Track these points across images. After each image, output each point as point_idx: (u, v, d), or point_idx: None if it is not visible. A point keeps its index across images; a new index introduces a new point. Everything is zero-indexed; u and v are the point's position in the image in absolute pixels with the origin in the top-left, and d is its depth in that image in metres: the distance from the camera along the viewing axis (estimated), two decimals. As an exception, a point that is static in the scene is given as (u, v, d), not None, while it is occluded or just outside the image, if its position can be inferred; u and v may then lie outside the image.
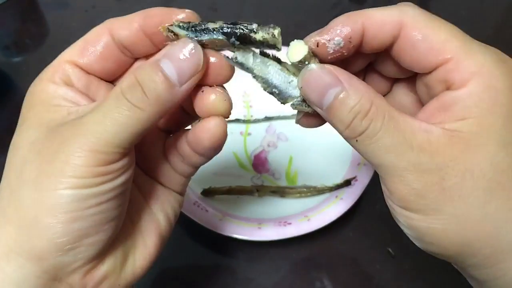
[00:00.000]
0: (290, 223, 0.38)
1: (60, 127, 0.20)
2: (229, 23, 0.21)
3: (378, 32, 0.21)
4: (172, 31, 0.21)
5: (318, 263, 0.39)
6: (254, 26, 0.21)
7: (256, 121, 0.47)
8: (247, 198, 0.42)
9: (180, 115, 0.26)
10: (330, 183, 0.41)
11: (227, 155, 0.45)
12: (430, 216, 0.21)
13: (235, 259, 0.39)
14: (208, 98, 0.22)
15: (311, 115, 0.23)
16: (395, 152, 0.20)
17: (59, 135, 0.20)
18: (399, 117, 0.21)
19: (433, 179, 0.20)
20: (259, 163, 0.45)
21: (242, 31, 0.21)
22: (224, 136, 0.23)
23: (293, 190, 0.41)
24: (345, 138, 0.22)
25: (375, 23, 0.21)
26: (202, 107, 0.22)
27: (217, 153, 0.25)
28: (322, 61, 0.22)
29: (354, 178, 0.41)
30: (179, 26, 0.21)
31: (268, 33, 0.21)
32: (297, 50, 0.21)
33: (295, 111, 0.25)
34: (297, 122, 0.25)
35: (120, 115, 0.20)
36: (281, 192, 0.41)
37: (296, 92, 0.23)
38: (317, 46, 0.22)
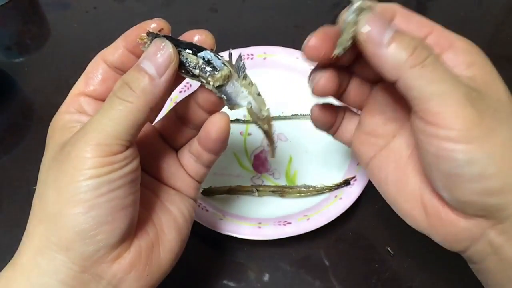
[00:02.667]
0: (289, 223, 0.38)
1: (71, 136, 0.24)
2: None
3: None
4: (147, 39, 0.25)
5: (317, 262, 0.39)
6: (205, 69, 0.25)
7: (256, 121, 0.47)
8: (247, 197, 0.42)
9: (186, 131, 0.30)
10: (330, 183, 0.41)
11: (227, 155, 0.45)
12: (490, 142, 0.23)
13: (235, 258, 0.40)
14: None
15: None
16: (452, 79, 0.23)
17: (70, 141, 0.24)
18: None
19: (482, 106, 0.23)
20: (259, 163, 0.45)
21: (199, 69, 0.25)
22: (228, 126, 0.27)
23: (292, 190, 0.42)
24: (401, 70, 0.23)
25: (378, 9, 0.26)
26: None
27: (224, 148, 0.28)
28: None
29: (353, 178, 0.41)
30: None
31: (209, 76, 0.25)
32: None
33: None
34: (316, 85, 0.28)
35: (114, 110, 0.23)
36: (280, 191, 0.42)
37: (243, 103, 0.27)
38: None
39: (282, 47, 0.50)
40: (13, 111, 0.51)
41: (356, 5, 0.24)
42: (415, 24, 0.26)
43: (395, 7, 0.26)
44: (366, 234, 0.41)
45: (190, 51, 0.25)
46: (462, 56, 0.25)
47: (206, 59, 0.25)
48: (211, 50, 0.26)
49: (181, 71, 0.26)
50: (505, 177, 0.23)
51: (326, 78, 0.27)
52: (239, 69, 0.26)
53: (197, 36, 0.26)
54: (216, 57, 0.25)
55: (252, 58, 0.50)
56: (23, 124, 0.50)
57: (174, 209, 0.28)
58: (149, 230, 0.26)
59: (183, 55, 0.25)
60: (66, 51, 0.57)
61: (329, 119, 0.33)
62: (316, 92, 0.28)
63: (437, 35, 0.25)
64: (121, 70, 0.27)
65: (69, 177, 0.22)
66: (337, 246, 0.40)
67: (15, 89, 0.53)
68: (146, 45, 0.25)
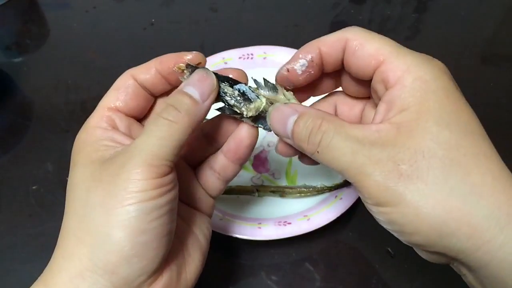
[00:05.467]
0: (289, 223, 0.38)
1: (114, 157, 0.23)
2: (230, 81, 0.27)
3: (331, 49, 0.26)
4: (186, 70, 0.26)
5: (318, 263, 0.39)
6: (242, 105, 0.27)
7: (256, 121, 0.47)
8: (247, 198, 0.42)
9: (205, 147, 0.30)
10: (330, 183, 0.41)
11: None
12: (400, 205, 0.22)
13: (235, 259, 0.39)
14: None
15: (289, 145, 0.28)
16: (350, 152, 0.23)
17: (115, 162, 0.23)
18: (350, 126, 0.24)
19: (389, 167, 0.22)
20: (259, 163, 0.45)
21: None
22: (257, 132, 0.28)
23: (293, 190, 0.42)
24: (311, 156, 0.25)
25: (327, 43, 0.26)
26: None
27: (248, 157, 0.29)
28: (295, 83, 0.27)
29: (353, 178, 0.41)
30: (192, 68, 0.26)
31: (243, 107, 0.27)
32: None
33: None
34: (277, 151, 0.29)
35: (160, 130, 0.23)
36: (281, 192, 0.42)
37: None
38: (288, 71, 0.27)
39: (282, 47, 0.50)
40: (12, 111, 0.51)
41: (253, 106, 0.27)
42: (365, 56, 0.25)
43: (347, 36, 0.25)
44: (366, 234, 0.41)
45: (227, 83, 0.27)
46: (399, 97, 0.23)
47: (241, 91, 0.27)
48: (246, 85, 0.27)
49: (217, 102, 0.27)
50: (425, 236, 0.22)
51: (282, 143, 0.28)
52: (270, 89, 0.28)
53: (231, 75, 0.27)
54: (250, 90, 0.27)
55: (252, 58, 0.50)
56: (22, 124, 0.49)
57: (196, 230, 0.28)
58: (178, 253, 0.26)
59: (219, 86, 0.26)
60: (65, 51, 0.57)
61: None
62: (280, 154, 0.29)
63: (386, 68, 0.24)
64: (150, 90, 0.27)
65: (120, 199, 0.22)
66: (337, 246, 0.40)
67: (14, 89, 0.53)
68: (184, 76, 0.26)
